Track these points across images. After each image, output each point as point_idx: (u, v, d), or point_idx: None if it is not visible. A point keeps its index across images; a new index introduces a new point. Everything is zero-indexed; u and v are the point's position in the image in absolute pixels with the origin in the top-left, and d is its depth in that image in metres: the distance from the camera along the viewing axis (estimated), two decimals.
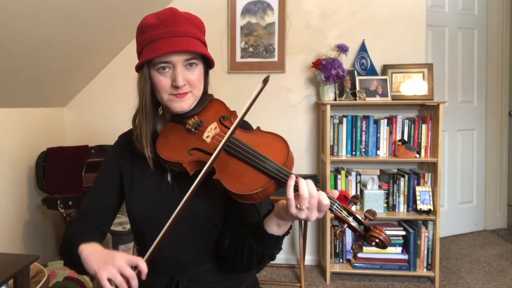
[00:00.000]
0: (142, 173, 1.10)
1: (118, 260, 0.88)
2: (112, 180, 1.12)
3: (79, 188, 2.62)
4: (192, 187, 0.90)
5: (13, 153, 2.52)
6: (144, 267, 0.87)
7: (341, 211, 0.88)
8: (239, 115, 0.94)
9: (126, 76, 2.37)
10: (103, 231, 1.13)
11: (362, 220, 0.88)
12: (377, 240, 0.86)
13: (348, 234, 2.75)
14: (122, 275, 0.86)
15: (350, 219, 0.88)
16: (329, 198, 0.86)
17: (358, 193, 2.73)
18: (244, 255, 0.95)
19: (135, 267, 0.88)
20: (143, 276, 0.87)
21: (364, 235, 0.88)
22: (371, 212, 0.88)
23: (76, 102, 3.12)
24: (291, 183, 0.85)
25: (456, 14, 3.43)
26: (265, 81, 0.91)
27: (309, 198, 0.84)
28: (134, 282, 0.86)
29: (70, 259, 1.00)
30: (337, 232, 0.88)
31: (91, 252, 0.94)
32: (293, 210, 0.84)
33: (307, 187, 0.84)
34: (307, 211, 0.85)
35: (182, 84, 1.00)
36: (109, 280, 0.87)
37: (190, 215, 1.01)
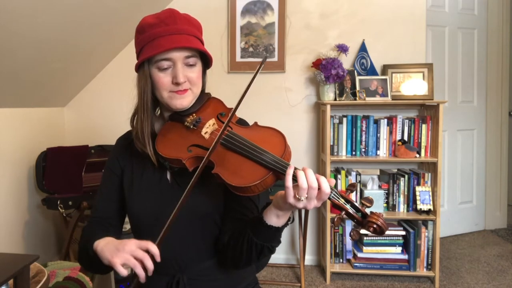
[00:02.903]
0: (141, 173, 1.11)
1: (129, 245, 0.90)
2: (115, 186, 1.14)
3: (79, 188, 2.62)
4: (193, 178, 0.91)
5: (13, 153, 2.52)
6: (155, 250, 0.89)
7: (339, 198, 0.88)
8: (239, 97, 0.95)
9: (125, 76, 2.37)
10: (114, 235, 1.14)
11: (360, 207, 0.89)
12: (374, 226, 0.87)
13: (348, 234, 2.75)
14: (136, 258, 0.89)
15: (348, 206, 0.88)
16: None
17: (358, 193, 2.73)
18: (244, 248, 0.96)
19: (147, 252, 0.90)
20: (157, 259, 0.89)
21: (362, 222, 0.89)
22: (368, 200, 0.89)
23: (76, 102, 3.12)
24: (289, 171, 0.86)
25: (456, 14, 3.43)
26: (263, 62, 0.92)
27: (309, 190, 0.84)
28: (148, 263, 0.88)
29: (88, 259, 1.03)
30: (335, 219, 0.90)
31: (105, 245, 0.96)
32: (291, 199, 0.85)
33: (307, 177, 0.84)
34: (305, 200, 0.85)
35: (183, 80, 1.02)
36: (124, 267, 0.89)
37: (190, 212, 1.02)
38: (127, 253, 0.89)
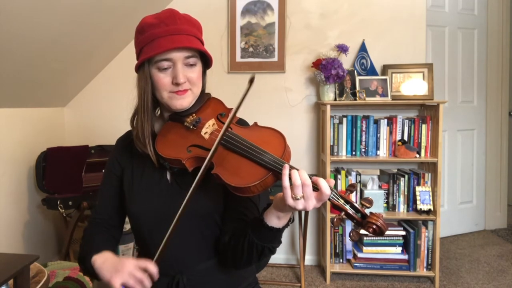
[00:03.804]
0: (141, 173, 1.11)
1: (127, 266, 0.93)
2: (115, 186, 1.14)
3: (79, 188, 2.62)
4: (195, 181, 0.91)
5: (13, 153, 2.52)
6: (153, 269, 0.92)
7: (338, 199, 0.88)
8: (231, 112, 0.93)
9: (125, 76, 2.37)
10: (115, 236, 1.17)
11: (359, 208, 0.89)
12: (374, 227, 0.87)
13: (348, 234, 2.75)
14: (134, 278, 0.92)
15: (347, 207, 0.88)
16: None
17: (358, 193, 2.73)
18: (245, 249, 0.96)
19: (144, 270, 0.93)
20: (155, 277, 0.93)
21: (362, 222, 0.89)
22: (368, 200, 0.89)
23: (76, 102, 3.12)
24: (285, 172, 0.87)
25: (456, 14, 3.43)
26: (251, 81, 0.91)
27: (303, 187, 0.85)
28: (146, 283, 0.92)
29: (86, 269, 1.06)
30: (335, 220, 0.89)
31: (103, 263, 1.00)
32: (290, 200, 0.85)
33: (300, 175, 0.86)
34: (303, 201, 0.85)
35: (183, 81, 1.01)
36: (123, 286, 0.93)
37: (190, 213, 1.02)
38: (126, 274, 0.92)
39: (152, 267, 0.92)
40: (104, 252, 1.03)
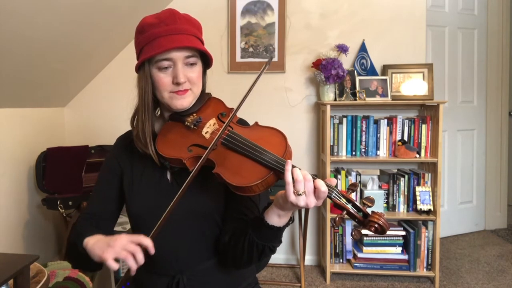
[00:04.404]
0: (141, 173, 1.11)
1: (120, 240, 0.90)
2: (112, 185, 1.14)
3: (79, 188, 2.62)
4: (191, 174, 0.91)
5: (13, 153, 2.52)
6: (147, 242, 0.88)
7: (340, 198, 0.89)
8: (240, 97, 0.95)
9: (125, 76, 2.38)
10: (106, 234, 1.14)
11: (361, 207, 0.89)
12: (376, 225, 0.87)
13: (348, 234, 2.75)
14: (127, 251, 0.88)
15: (349, 206, 0.88)
16: (328, 186, 0.88)
17: (358, 193, 2.73)
18: (245, 248, 0.96)
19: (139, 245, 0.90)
20: (151, 251, 0.88)
21: (363, 221, 0.89)
22: (370, 199, 0.89)
23: (76, 102, 3.12)
24: (288, 167, 0.87)
25: (456, 14, 3.43)
26: (268, 62, 0.92)
27: (304, 182, 0.85)
28: (139, 256, 0.87)
29: (77, 256, 1.02)
30: (336, 219, 0.90)
31: (95, 242, 0.96)
32: (292, 196, 0.85)
33: (302, 172, 0.86)
34: (305, 197, 0.86)
35: (183, 80, 1.02)
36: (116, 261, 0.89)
37: (190, 212, 1.03)
38: (118, 248, 0.88)
39: (147, 241, 0.88)
40: (96, 235, 1.00)
